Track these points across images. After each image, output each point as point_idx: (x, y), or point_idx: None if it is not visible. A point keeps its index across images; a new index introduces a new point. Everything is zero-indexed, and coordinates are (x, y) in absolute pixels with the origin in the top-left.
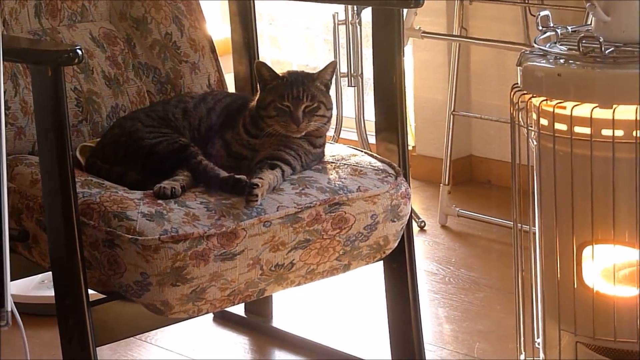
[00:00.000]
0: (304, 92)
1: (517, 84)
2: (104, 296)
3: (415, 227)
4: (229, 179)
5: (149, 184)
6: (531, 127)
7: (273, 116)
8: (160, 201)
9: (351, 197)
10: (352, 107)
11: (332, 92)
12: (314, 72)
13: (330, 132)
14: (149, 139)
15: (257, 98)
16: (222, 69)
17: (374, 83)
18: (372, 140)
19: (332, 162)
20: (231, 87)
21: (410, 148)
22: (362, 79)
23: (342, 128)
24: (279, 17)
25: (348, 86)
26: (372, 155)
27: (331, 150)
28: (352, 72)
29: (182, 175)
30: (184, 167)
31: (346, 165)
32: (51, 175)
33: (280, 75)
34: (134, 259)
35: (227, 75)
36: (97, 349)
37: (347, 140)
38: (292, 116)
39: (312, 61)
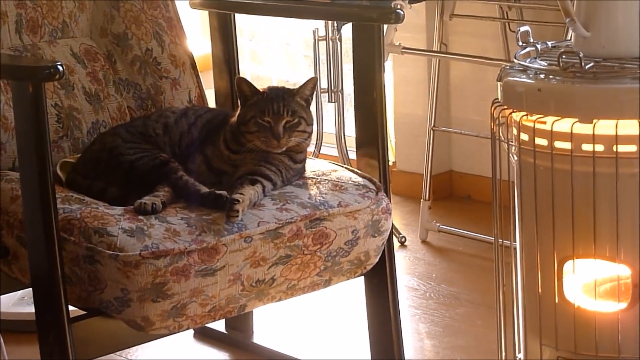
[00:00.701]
0: (285, 107)
1: (498, 99)
2: (85, 312)
3: (395, 243)
4: (209, 195)
5: (129, 199)
6: (512, 142)
7: (254, 132)
8: (140, 217)
9: (332, 212)
10: (333, 122)
11: (313, 107)
12: (295, 87)
13: (311, 148)
14: (129, 154)
15: (237, 114)
16: (202, 85)
17: (354, 99)
18: (352, 155)
19: (312, 178)
20: (212, 103)
21: (390, 163)
22: (342, 94)
23: (323, 143)
24: (259, 33)
25: (328, 102)
26: (352, 171)
27: (312, 166)
28: (333, 87)
29: (163, 190)
30: (164, 183)
31: (327, 181)
32: (32, 191)
33: (261, 90)
34: (115, 274)
35: (208, 91)
36: None
37: (327, 156)
38: (273, 132)
39: (292, 77)
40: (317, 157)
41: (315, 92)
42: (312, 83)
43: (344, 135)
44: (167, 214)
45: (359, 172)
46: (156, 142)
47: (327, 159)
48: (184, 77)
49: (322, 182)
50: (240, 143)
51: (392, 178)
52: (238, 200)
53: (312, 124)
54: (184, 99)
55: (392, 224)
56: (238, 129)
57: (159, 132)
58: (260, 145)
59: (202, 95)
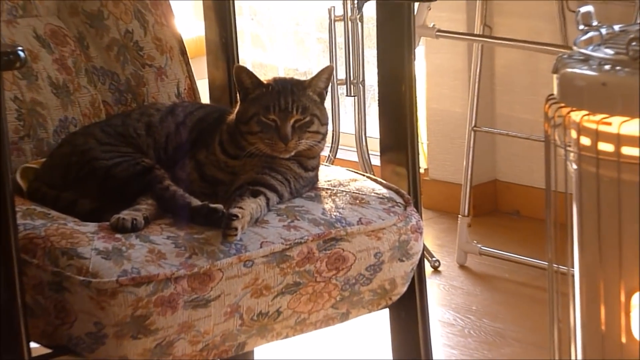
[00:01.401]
0: (294, 103)
1: (553, 94)
2: (50, 351)
3: (427, 268)
4: (202, 209)
5: (105, 214)
6: (570, 147)
7: (256, 132)
8: (118, 235)
9: (350, 231)
10: (352, 121)
11: (328, 102)
12: (306, 78)
13: (325, 152)
14: (105, 159)
15: (236, 110)
16: (193, 75)
17: (378, 92)
18: (375, 161)
19: (327, 189)
20: (205, 97)
21: (422, 171)
22: (363, 87)
23: (340, 147)
24: (263, 12)
25: (347, 96)
26: (375, 181)
27: (326, 174)
28: (352, 78)
29: (145, 203)
30: (147, 194)
31: (344, 193)
32: None
33: (265, 82)
34: (87, 305)
35: (200, 82)
36: None
37: (345, 162)
38: (279, 132)
39: (303, 65)
40: (332, 164)
41: (331, 84)
42: (327, 73)
43: (366, 137)
44: (150, 231)
45: (384, 182)
46: (137, 145)
47: (345, 166)
48: (172, 65)
49: (338, 194)
50: (239, 146)
51: (424, 189)
52: (237, 216)
53: (326, 123)
54: (171, 92)
55: (424, 246)
56: (237, 129)
57: (141, 132)
58: (264, 149)
59: (193, 88)
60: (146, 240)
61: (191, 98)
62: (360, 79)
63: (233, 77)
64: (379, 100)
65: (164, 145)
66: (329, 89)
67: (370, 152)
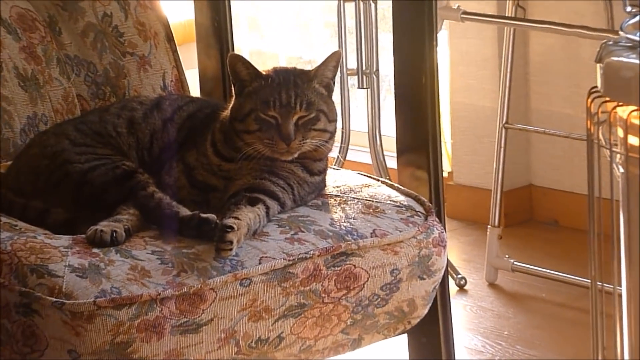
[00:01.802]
0: (297, 97)
1: (596, 87)
2: None
3: (452, 287)
4: (192, 219)
5: (80, 225)
6: (616, 147)
7: (254, 131)
8: (96, 250)
9: (363, 244)
10: (365, 117)
11: (337, 96)
12: (311, 68)
13: (334, 153)
14: (80, 162)
15: (231, 106)
16: (182, 65)
17: (394, 84)
18: (392, 164)
19: (336, 196)
20: (195, 90)
21: (445, 175)
22: (377, 77)
23: (350, 147)
24: None
25: (358, 88)
26: (392, 186)
27: (335, 179)
28: (364, 68)
29: (127, 213)
30: (129, 202)
31: (356, 200)
32: None
33: (264, 73)
34: (60, 331)
35: (190, 72)
36: None
37: (357, 164)
38: (281, 131)
39: (307, 53)
40: (342, 167)
41: (340, 75)
42: (335, 61)
43: (380, 136)
44: (132, 246)
45: (401, 187)
46: (117, 145)
47: (357, 169)
48: (156, 53)
49: (349, 202)
50: (234, 147)
51: (448, 196)
52: (232, 227)
53: (335, 120)
54: (156, 85)
55: (448, 261)
56: (232, 128)
57: (122, 130)
58: (263, 151)
59: (181, 79)
60: (128, 255)
61: (179, 91)
62: (374, 69)
63: (227, 67)
64: (395, 93)
65: (148, 145)
66: (338, 79)
67: (385, 152)
